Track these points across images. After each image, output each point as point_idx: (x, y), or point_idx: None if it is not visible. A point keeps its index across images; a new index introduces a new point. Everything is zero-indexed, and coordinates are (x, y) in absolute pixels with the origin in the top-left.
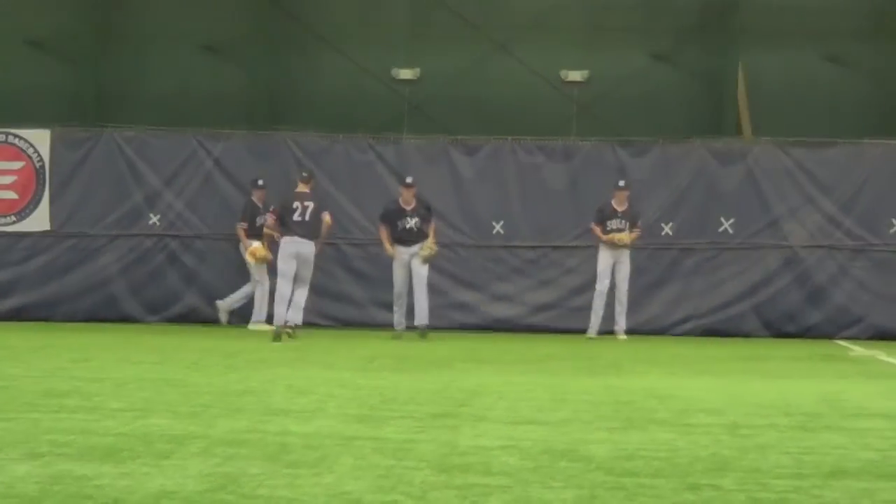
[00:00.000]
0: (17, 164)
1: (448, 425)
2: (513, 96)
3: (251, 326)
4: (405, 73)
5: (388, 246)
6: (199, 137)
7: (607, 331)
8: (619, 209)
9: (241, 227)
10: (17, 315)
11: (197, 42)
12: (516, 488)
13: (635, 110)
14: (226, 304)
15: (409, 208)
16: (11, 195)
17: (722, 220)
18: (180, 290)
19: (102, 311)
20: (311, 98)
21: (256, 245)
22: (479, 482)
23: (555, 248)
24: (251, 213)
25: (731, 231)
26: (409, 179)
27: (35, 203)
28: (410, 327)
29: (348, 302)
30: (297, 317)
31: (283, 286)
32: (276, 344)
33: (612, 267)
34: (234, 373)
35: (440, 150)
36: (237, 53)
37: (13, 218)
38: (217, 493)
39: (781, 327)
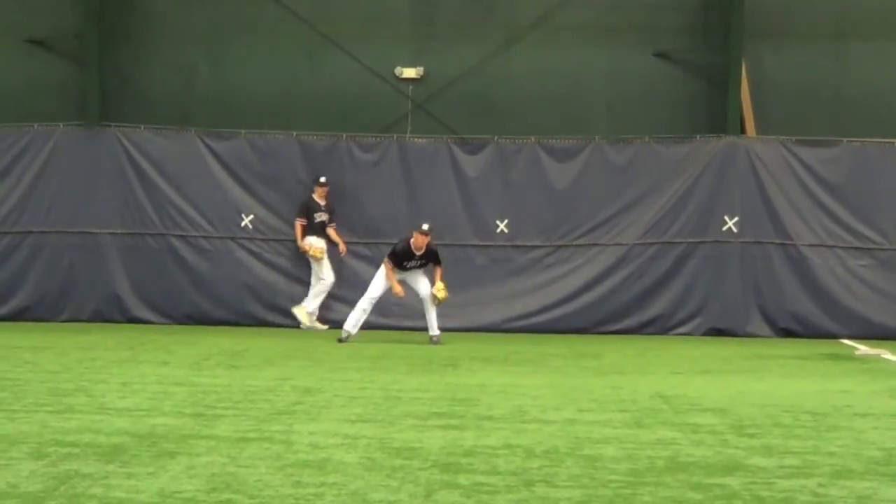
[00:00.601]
0: None
1: (453, 425)
2: (520, 94)
3: (295, 309)
4: (409, 72)
5: (394, 284)
6: (203, 136)
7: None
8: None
9: (298, 223)
10: (21, 315)
11: (198, 39)
12: (522, 488)
13: (636, 108)
14: (304, 309)
15: (419, 253)
16: None
17: (726, 218)
18: (186, 290)
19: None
20: (316, 97)
21: (311, 241)
22: (484, 481)
23: (559, 247)
24: (309, 210)
25: (735, 229)
26: (425, 227)
27: None
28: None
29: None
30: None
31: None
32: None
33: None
34: (238, 372)
35: (443, 148)
36: (236, 54)
37: None
38: (222, 493)
39: (787, 326)
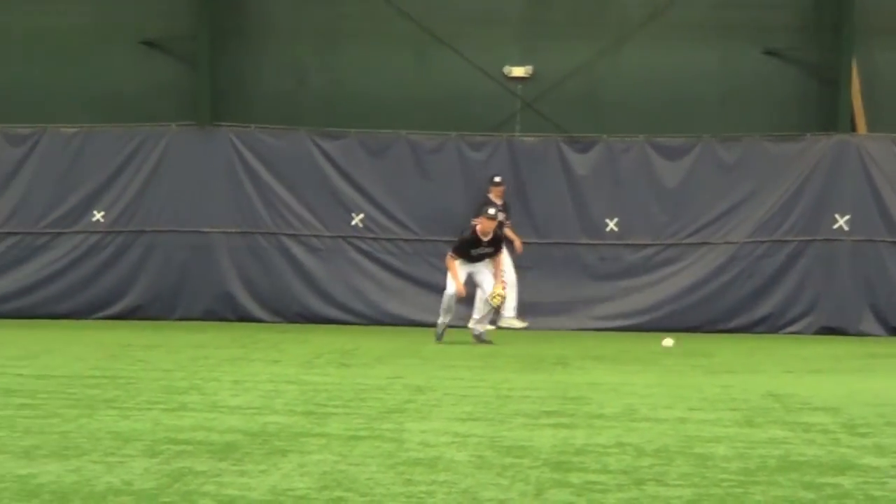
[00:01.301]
0: None
1: (563, 423)
2: (627, 93)
3: (502, 323)
4: (517, 71)
5: (458, 282)
6: (313, 136)
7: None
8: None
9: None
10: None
11: (309, 40)
12: (632, 487)
13: (746, 106)
14: (509, 319)
15: (486, 239)
16: None
17: (837, 216)
18: (297, 289)
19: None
20: (425, 96)
21: None
22: (595, 480)
23: (669, 245)
24: (485, 209)
25: (846, 228)
26: (491, 211)
27: None
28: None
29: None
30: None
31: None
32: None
33: None
34: (349, 370)
35: (552, 147)
36: (346, 54)
37: None
38: (334, 491)
39: None
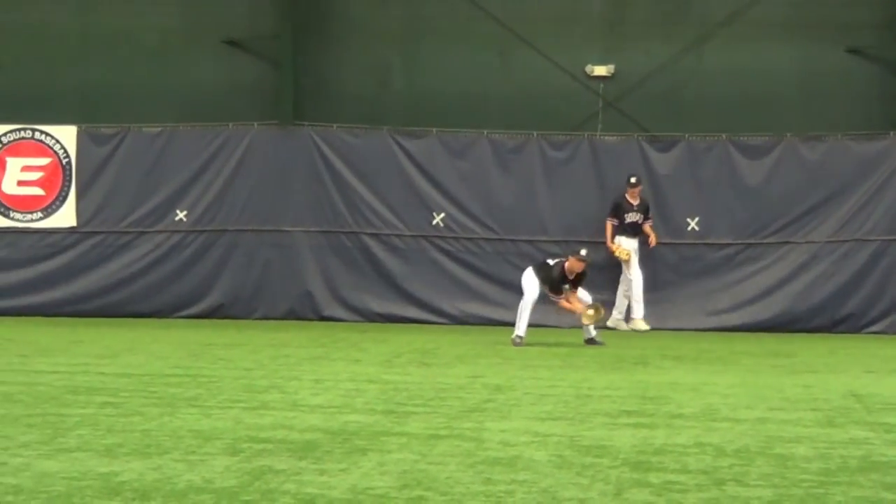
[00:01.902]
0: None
1: (643, 423)
2: (709, 92)
3: (631, 326)
4: (599, 70)
5: (574, 306)
6: (395, 135)
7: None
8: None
9: (609, 223)
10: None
11: (391, 40)
12: (712, 487)
13: (829, 104)
14: (638, 321)
15: (571, 278)
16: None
17: None
18: (378, 288)
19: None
20: (507, 95)
21: (620, 241)
22: (675, 480)
23: (750, 244)
24: (620, 210)
25: None
26: (583, 252)
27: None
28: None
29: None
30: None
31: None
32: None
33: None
34: (429, 369)
35: (634, 146)
36: (428, 53)
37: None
38: (414, 490)
39: None
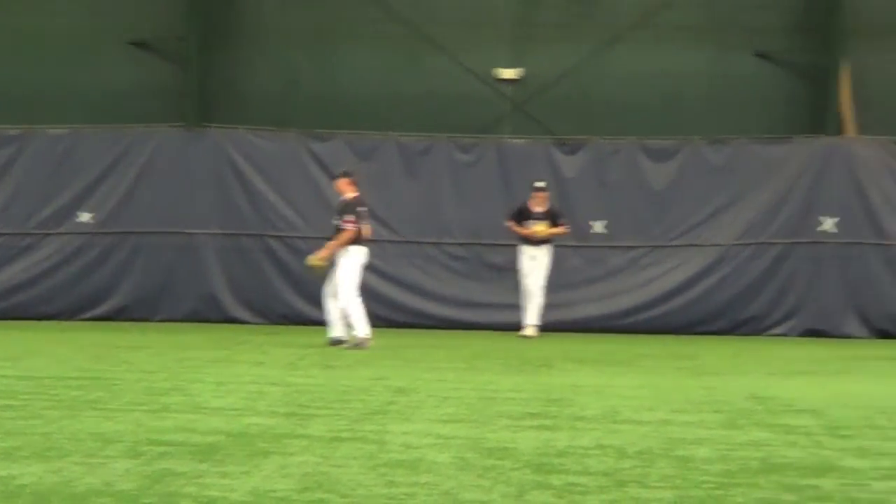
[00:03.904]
0: None
1: (546, 426)
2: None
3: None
4: (508, 73)
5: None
6: (302, 138)
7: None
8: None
9: (510, 224)
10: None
11: (299, 41)
12: (613, 489)
13: (736, 108)
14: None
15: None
16: None
17: (823, 219)
18: (282, 291)
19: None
20: (415, 98)
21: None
22: (576, 482)
23: (655, 247)
24: (520, 216)
25: (832, 230)
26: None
27: None
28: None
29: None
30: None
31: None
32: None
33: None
34: (332, 372)
35: (541, 150)
36: (336, 55)
37: None
38: (315, 493)
39: (884, 327)
